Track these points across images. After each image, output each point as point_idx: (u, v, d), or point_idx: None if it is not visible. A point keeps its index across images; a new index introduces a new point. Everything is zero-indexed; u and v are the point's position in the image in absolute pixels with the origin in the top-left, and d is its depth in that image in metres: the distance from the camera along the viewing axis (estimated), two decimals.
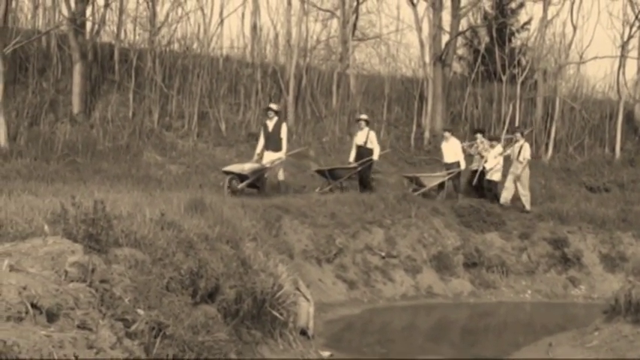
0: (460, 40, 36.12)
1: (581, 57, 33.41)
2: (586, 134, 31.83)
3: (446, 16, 32.59)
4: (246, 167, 19.97)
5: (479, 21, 37.91)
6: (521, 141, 22.93)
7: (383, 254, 18.90)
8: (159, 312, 6.23)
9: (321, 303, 15.37)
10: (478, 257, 19.90)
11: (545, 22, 32.77)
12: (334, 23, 35.82)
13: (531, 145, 25.66)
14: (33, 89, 27.09)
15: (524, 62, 34.43)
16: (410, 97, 32.58)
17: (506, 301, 19.24)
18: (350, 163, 22.37)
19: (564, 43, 33.47)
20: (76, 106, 26.98)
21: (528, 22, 38.43)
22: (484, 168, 22.62)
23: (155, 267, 7.26)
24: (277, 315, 10.60)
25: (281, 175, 21.01)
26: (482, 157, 23.18)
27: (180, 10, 32.34)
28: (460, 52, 38.24)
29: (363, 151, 22.22)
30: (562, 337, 14.78)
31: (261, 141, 21.16)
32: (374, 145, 22.36)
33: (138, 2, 31.93)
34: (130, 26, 31.95)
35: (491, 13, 37.60)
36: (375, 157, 22.28)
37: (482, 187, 22.92)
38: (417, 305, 18.07)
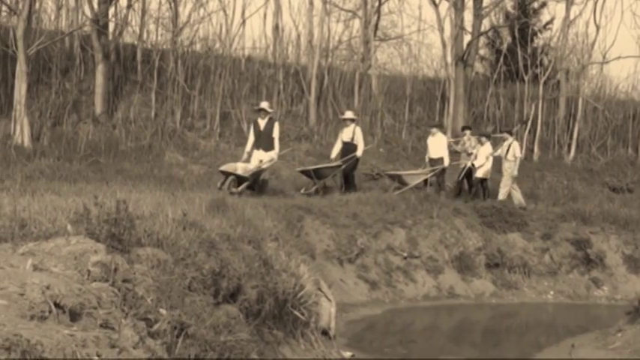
0: (482, 40, 36.02)
1: (604, 57, 33.26)
2: (609, 134, 31.72)
3: (468, 16, 32.59)
4: (249, 168, 19.42)
5: (501, 21, 37.82)
6: (510, 139, 22.82)
7: (405, 255, 18.87)
8: (181, 312, 6.23)
9: (342, 303, 15.37)
10: (500, 258, 19.83)
11: (567, 22, 32.62)
12: (356, 23, 35.82)
13: (521, 145, 25.35)
14: (56, 90, 27.22)
15: (546, 62, 34.40)
16: (432, 98, 32.56)
17: (528, 302, 19.17)
18: (330, 160, 21.98)
19: (587, 42, 33.35)
20: (98, 107, 27.10)
21: (551, 22, 38.37)
22: (473, 165, 22.38)
23: (177, 267, 7.27)
24: (299, 315, 10.60)
25: (266, 175, 20.53)
26: (469, 154, 22.90)
27: (202, 11, 32.42)
28: (482, 52, 38.16)
29: (350, 148, 21.69)
30: (585, 339, 14.72)
31: (251, 139, 20.49)
32: (359, 141, 21.81)
33: (160, 3, 32.03)
34: (152, 27, 32.05)
35: (513, 13, 37.54)
36: (359, 153, 21.66)
37: (470, 185, 22.87)
38: (438, 306, 18.03)
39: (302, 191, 20.68)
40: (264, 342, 9.13)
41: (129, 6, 29.99)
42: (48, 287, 4.78)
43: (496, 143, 23.82)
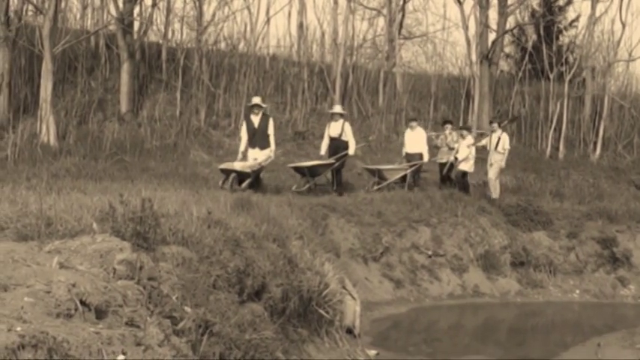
0: (507, 38, 35.91)
1: (630, 54, 33.12)
2: (635, 132, 31.55)
3: (493, 14, 32.48)
4: (248, 165, 18.50)
5: (526, 19, 37.64)
6: (499, 131, 22.32)
7: (429, 253, 18.82)
8: (206, 310, 6.24)
9: (367, 301, 15.36)
10: (525, 256, 19.75)
11: (593, 20, 32.47)
12: (381, 22, 35.84)
13: (511, 138, 25.00)
14: (82, 88, 27.37)
15: (572, 60, 34.24)
16: (456, 96, 32.50)
17: (553, 300, 19.07)
18: (322, 157, 20.84)
19: (613, 40, 33.19)
20: (124, 105, 27.21)
21: (576, 20, 38.18)
22: (456, 159, 21.92)
23: (202, 265, 7.28)
24: (324, 313, 10.61)
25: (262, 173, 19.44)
26: (450, 148, 22.26)
27: (226, 10, 32.55)
28: (507, 50, 38.04)
29: (339, 144, 20.49)
30: (611, 338, 14.66)
31: (245, 138, 19.43)
32: (349, 138, 20.64)
33: (185, 2, 32.13)
34: (177, 26, 32.20)
35: (538, 10, 37.37)
36: (351, 151, 20.57)
37: (449, 178, 22.24)
38: (463, 304, 17.98)
39: (294, 188, 19.92)
40: (289, 340, 9.13)
41: (154, 5, 30.11)
42: (74, 285, 4.80)
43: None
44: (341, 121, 20.86)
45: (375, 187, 21.09)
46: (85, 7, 31.83)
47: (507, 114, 31.85)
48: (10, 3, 25.92)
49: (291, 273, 9.87)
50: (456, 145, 22.09)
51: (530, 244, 20.07)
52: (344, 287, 12.22)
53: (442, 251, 19.01)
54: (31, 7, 28.14)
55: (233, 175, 17.89)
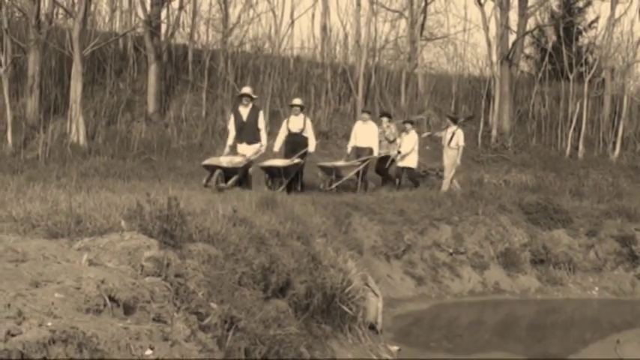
0: (527, 39, 35.86)
1: None
2: None
3: (513, 16, 32.44)
4: (235, 161, 16.93)
5: (546, 20, 37.57)
6: (454, 127, 21.80)
7: (450, 251, 18.77)
8: (231, 306, 6.25)
9: (389, 298, 15.34)
10: (545, 254, 19.66)
11: (612, 21, 32.36)
12: (402, 23, 35.84)
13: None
14: (110, 90, 27.53)
15: (591, 61, 34.08)
16: (477, 96, 32.45)
17: (573, 297, 18.98)
18: (275, 154, 19.09)
19: (632, 41, 33.07)
20: (151, 106, 27.35)
21: (595, 21, 38.09)
22: (399, 152, 21.35)
23: (228, 262, 7.29)
24: (347, 310, 10.61)
25: (251, 172, 17.84)
26: (390, 142, 21.47)
27: (251, 12, 32.71)
28: (527, 51, 38.00)
29: (300, 140, 19.01)
30: (630, 334, 14.58)
31: (233, 132, 18.00)
32: (309, 134, 19.28)
33: (211, 4, 32.35)
34: (203, 28, 32.42)
35: (558, 12, 37.30)
36: (312, 148, 19.25)
37: (387, 172, 21.72)
38: (484, 301, 17.92)
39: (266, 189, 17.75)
40: (313, 336, 9.13)
41: (180, 8, 30.22)
42: (103, 281, 4.82)
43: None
44: (302, 115, 19.51)
45: (333, 185, 19.65)
46: (113, 10, 32.03)
47: (527, 114, 31.83)
48: (41, 6, 26.09)
49: (315, 270, 9.88)
50: (398, 140, 21.60)
51: (550, 242, 19.97)
52: (367, 284, 12.22)
53: (463, 249, 18.96)
54: (61, 10, 28.37)
55: (218, 171, 16.17)
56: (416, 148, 21.53)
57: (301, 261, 9.47)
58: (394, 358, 11.75)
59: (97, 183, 14.95)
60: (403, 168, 21.67)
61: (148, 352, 4.30)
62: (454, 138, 21.55)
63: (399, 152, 21.38)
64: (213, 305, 5.99)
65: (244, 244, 7.96)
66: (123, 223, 6.79)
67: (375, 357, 10.98)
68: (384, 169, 21.71)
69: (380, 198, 19.48)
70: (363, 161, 20.38)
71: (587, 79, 31.07)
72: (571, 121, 30.63)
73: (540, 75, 33.44)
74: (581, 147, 30.11)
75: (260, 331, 6.53)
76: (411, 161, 21.53)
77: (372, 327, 11.94)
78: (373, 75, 31.29)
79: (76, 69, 24.39)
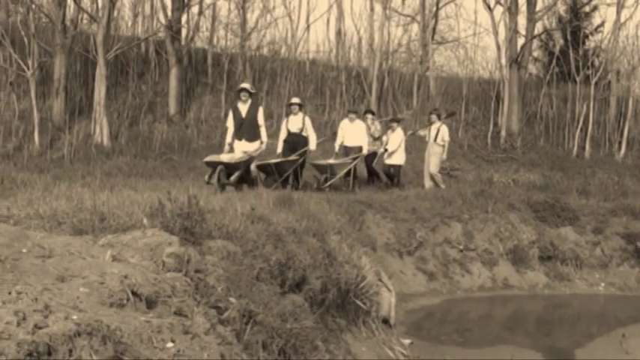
0: (535, 43, 35.77)
1: None
2: None
3: (521, 20, 32.39)
4: (236, 157, 16.07)
5: (553, 24, 37.48)
6: (438, 123, 21.44)
7: (461, 247, 18.73)
8: (249, 300, 6.26)
9: (402, 293, 15.32)
10: (553, 251, 19.61)
11: (618, 25, 32.26)
12: (415, 28, 35.90)
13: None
14: (133, 92, 27.63)
15: (597, 64, 33.99)
16: (487, 98, 32.39)
17: (580, 293, 18.92)
18: (278, 154, 18.72)
19: (637, 44, 33.02)
20: (172, 108, 27.43)
21: (602, 25, 37.98)
22: (385, 150, 21.05)
23: (246, 258, 7.29)
24: (361, 304, 10.60)
25: (253, 168, 16.85)
26: (374, 139, 21.06)
27: (269, 17, 32.75)
28: (535, 54, 37.92)
29: (300, 140, 18.55)
30: (635, 329, 14.53)
31: (232, 128, 17.08)
32: (310, 132, 18.70)
33: (229, 10, 32.53)
34: (222, 32, 32.50)
35: (565, 16, 37.20)
36: (313, 146, 18.69)
37: (372, 169, 21.40)
38: (493, 296, 17.88)
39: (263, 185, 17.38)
40: (328, 329, 9.13)
41: (200, 13, 30.33)
42: (126, 277, 4.83)
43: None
44: (300, 114, 18.85)
45: (327, 184, 18.96)
46: (136, 16, 32.15)
47: (535, 115, 31.78)
48: (67, 12, 26.20)
49: (330, 266, 9.87)
50: (379, 135, 21.35)
51: (558, 239, 19.91)
52: (380, 280, 12.21)
53: (473, 246, 18.92)
54: (86, 16, 28.46)
55: (220, 167, 15.17)
56: (402, 145, 21.26)
57: (317, 257, 9.46)
58: (407, 351, 11.74)
59: (120, 182, 14.98)
60: (391, 166, 21.40)
61: (169, 344, 4.31)
62: (439, 134, 21.26)
63: (385, 150, 21.12)
64: (232, 300, 5.99)
65: (262, 241, 7.96)
66: (145, 220, 6.80)
67: (388, 350, 10.97)
68: (370, 165, 21.41)
69: (393, 197, 19.47)
70: (354, 158, 19.79)
71: (593, 82, 31.00)
72: (578, 122, 30.56)
73: (548, 77, 33.38)
74: (587, 147, 30.04)
75: (277, 324, 6.52)
76: (399, 159, 21.28)
77: (385, 321, 11.93)
78: (386, 77, 31.29)
79: (100, 72, 24.47)
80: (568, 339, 14.65)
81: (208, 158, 15.95)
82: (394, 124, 21.64)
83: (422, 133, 22.15)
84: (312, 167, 19.61)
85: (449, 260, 18.47)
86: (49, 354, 3.50)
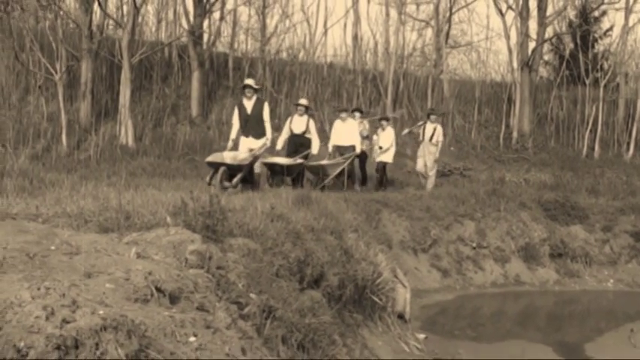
0: (546, 47, 35.68)
1: None
2: None
3: (532, 25, 32.33)
4: (240, 157, 14.71)
5: (564, 28, 37.34)
6: (435, 123, 21.04)
7: (474, 245, 18.70)
8: (269, 296, 6.25)
9: (416, 289, 15.30)
10: (563, 248, 19.56)
11: (626, 29, 32.19)
12: (429, 32, 35.81)
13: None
14: (156, 95, 27.68)
15: (606, 67, 33.85)
16: (499, 100, 32.32)
17: (589, 289, 18.86)
18: (277, 152, 18.11)
19: None
20: (194, 110, 27.47)
21: (610, 29, 37.86)
22: (380, 148, 20.47)
23: (266, 255, 7.30)
24: (377, 300, 10.58)
25: (257, 168, 15.58)
26: (363, 137, 20.11)
27: (288, 22, 32.76)
28: (546, 57, 37.81)
29: (303, 141, 17.68)
30: None
31: (236, 125, 16.13)
32: (313, 135, 17.80)
33: (250, 15, 32.43)
34: (242, 37, 32.53)
35: (575, 21, 37.06)
36: (315, 150, 17.66)
37: (363, 168, 20.72)
38: (505, 292, 17.84)
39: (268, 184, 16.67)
40: (345, 324, 9.12)
41: (221, 18, 30.36)
42: (150, 273, 4.84)
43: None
44: (305, 116, 18.04)
45: (321, 184, 17.80)
46: (159, 21, 32.21)
47: (546, 117, 31.69)
48: (93, 18, 26.28)
49: (347, 263, 9.85)
50: (367, 134, 20.76)
51: (568, 237, 19.86)
52: (395, 276, 12.18)
53: (486, 243, 18.89)
54: (111, 21, 28.53)
55: (222, 169, 13.79)
56: (394, 143, 20.77)
57: (334, 254, 9.45)
58: (421, 346, 11.72)
59: (145, 182, 14.97)
60: (383, 163, 20.68)
61: (192, 338, 4.31)
62: (435, 134, 20.88)
63: (380, 148, 20.54)
64: (253, 295, 5.99)
65: (281, 239, 7.96)
66: (168, 218, 6.81)
67: (403, 344, 10.95)
68: (362, 165, 20.74)
69: (408, 196, 19.46)
70: (347, 159, 18.83)
71: (602, 84, 30.89)
72: (587, 124, 30.47)
73: (558, 80, 33.31)
74: (596, 148, 29.96)
75: (296, 319, 6.52)
76: (389, 156, 20.72)
77: (400, 316, 11.90)
78: (401, 80, 31.28)
79: (125, 76, 24.53)
80: (578, 334, 14.61)
81: (210, 158, 14.67)
82: (384, 123, 21.04)
83: (416, 130, 21.93)
84: (306, 170, 18.20)
85: (462, 257, 18.45)
86: (77, 348, 3.51)
